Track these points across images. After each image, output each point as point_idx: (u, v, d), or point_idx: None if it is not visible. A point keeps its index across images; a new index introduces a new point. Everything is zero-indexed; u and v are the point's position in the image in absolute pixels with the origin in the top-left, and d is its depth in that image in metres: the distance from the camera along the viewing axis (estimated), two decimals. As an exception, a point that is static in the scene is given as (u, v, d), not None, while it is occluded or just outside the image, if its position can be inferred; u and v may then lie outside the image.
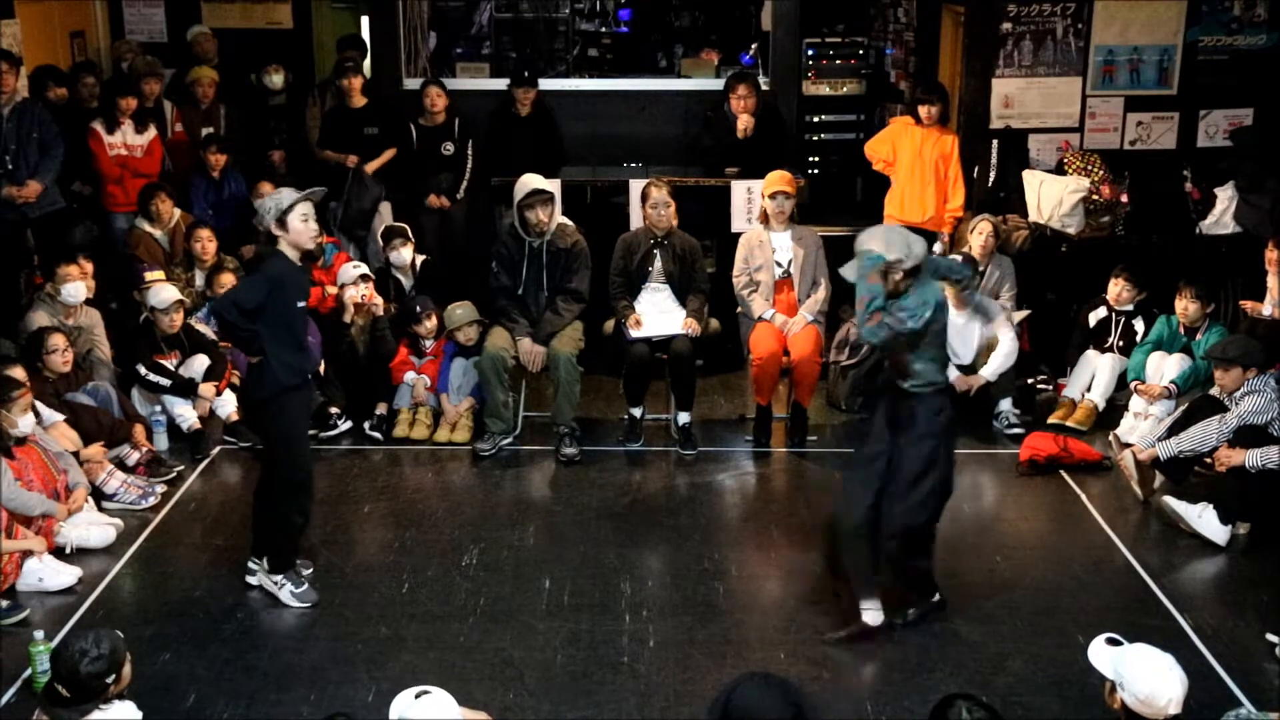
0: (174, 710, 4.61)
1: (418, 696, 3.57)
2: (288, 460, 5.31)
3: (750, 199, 8.05)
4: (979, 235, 7.52)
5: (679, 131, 9.50)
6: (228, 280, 7.31)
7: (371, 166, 8.73)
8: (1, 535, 5.31)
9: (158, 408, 6.97)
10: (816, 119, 9.99)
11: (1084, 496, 6.42)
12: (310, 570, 5.58)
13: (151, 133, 8.39)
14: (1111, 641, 3.69)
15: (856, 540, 4.98)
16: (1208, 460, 6.10)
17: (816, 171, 9.89)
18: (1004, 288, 7.58)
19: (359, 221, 8.77)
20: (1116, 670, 3.59)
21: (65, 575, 5.49)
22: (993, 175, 8.69)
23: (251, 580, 5.44)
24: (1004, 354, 7.08)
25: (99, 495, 6.17)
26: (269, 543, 5.38)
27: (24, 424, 5.79)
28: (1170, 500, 6.05)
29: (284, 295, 5.13)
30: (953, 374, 7.10)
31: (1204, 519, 5.90)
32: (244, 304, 5.09)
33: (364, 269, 7.53)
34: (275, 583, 5.34)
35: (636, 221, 7.58)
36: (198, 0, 9.81)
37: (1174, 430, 6.25)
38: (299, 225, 5.13)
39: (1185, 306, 7.05)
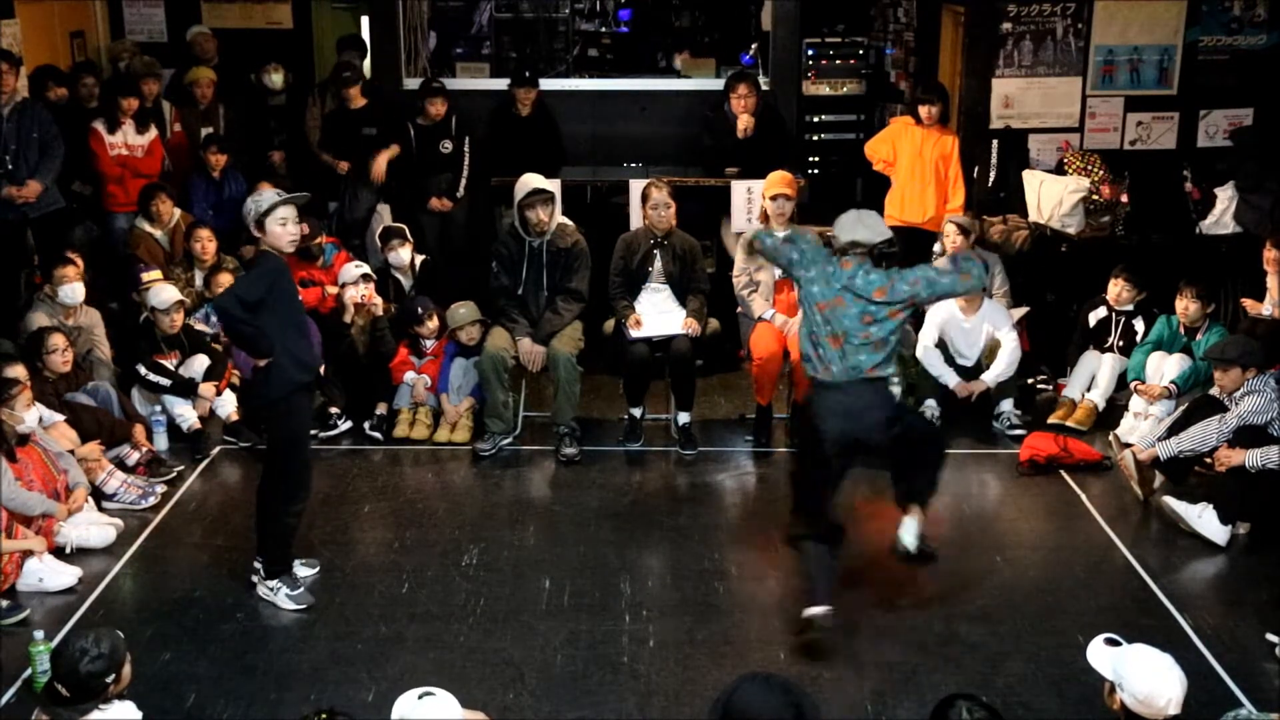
0: (174, 710, 4.61)
1: (420, 698, 3.57)
2: (293, 461, 5.32)
3: (750, 199, 8.05)
4: (946, 238, 7.58)
5: (679, 131, 9.50)
6: (225, 280, 7.31)
7: (379, 169, 8.73)
8: (1, 535, 5.31)
9: (158, 408, 6.97)
10: (816, 119, 9.99)
11: (1084, 496, 6.42)
12: (316, 569, 5.59)
13: (152, 133, 8.39)
14: (1110, 642, 3.69)
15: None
16: (1208, 460, 6.10)
17: (816, 171, 9.89)
18: (994, 284, 7.58)
19: (353, 230, 8.77)
20: (1116, 671, 3.58)
21: (65, 575, 5.49)
22: (993, 175, 8.69)
23: (255, 580, 5.43)
24: (1006, 361, 7.08)
25: (99, 495, 6.17)
26: (264, 546, 5.38)
27: (30, 418, 5.82)
28: (1170, 500, 6.05)
29: (285, 288, 5.16)
30: (952, 380, 7.13)
31: (1204, 519, 5.89)
32: (246, 297, 5.06)
33: (366, 268, 7.53)
34: (270, 588, 5.33)
35: (636, 221, 7.58)
36: (198, 0, 9.81)
37: (1174, 430, 6.25)
38: (276, 229, 5.13)
39: (1186, 306, 7.05)
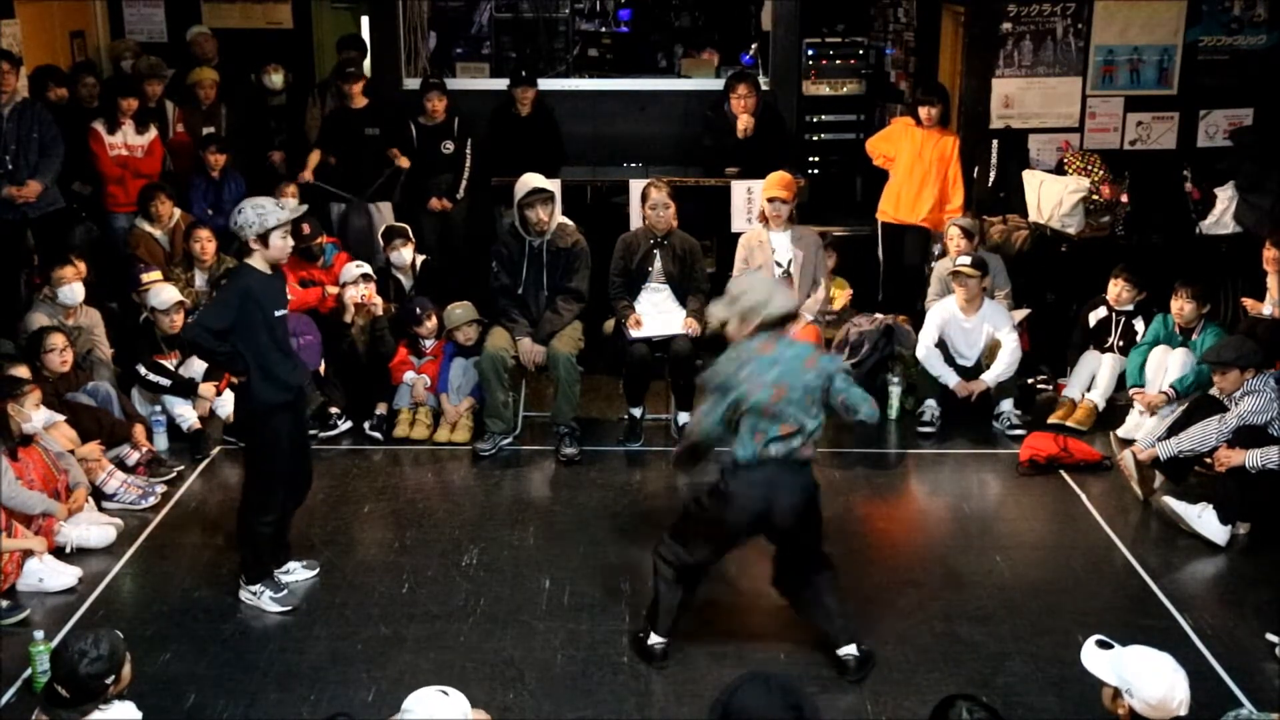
0: (174, 710, 4.61)
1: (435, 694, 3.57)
2: (261, 474, 5.30)
3: (750, 199, 8.06)
4: (949, 240, 7.59)
5: (679, 131, 9.50)
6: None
7: (403, 162, 8.72)
8: (2, 535, 5.32)
9: (158, 408, 6.97)
10: (816, 119, 10.00)
11: (1084, 496, 6.42)
12: (316, 571, 5.60)
13: (152, 133, 8.39)
14: (1101, 644, 3.66)
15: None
16: (1208, 460, 6.10)
17: (816, 171, 9.90)
18: (995, 285, 7.58)
19: (361, 239, 8.76)
20: (1121, 677, 3.53)
21: (65, 575, 5.49)
22: (993, 175, 8.70)
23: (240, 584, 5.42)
24: (1006, 362, 7.09)
25: (99, 495, 6.17)
26: (241, 552, 5.38)
27: (37, 418, 5.84)
28: (1170, 500, 6.05)
29: (258, 308, 5.07)
30: (952, 380, 7.14)
31: (1204, 519, 5.90)
32: (213, 325, 5.05)
33: (366, 268, 7.53)
34: (253, 593, 5.33)
35: (636, 221, 7.59)
36: (198, 0, 9.81)
37: (1174, 430, 6.25)
38: (279, 243, 5.12)
39: (1181, 307, 7.04)
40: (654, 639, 4.92)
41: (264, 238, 5.07)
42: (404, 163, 8.69)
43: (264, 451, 5.27)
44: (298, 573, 5.54)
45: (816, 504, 4.81)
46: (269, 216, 5.08)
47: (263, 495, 5.30)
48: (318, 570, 5.60)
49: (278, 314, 5.18)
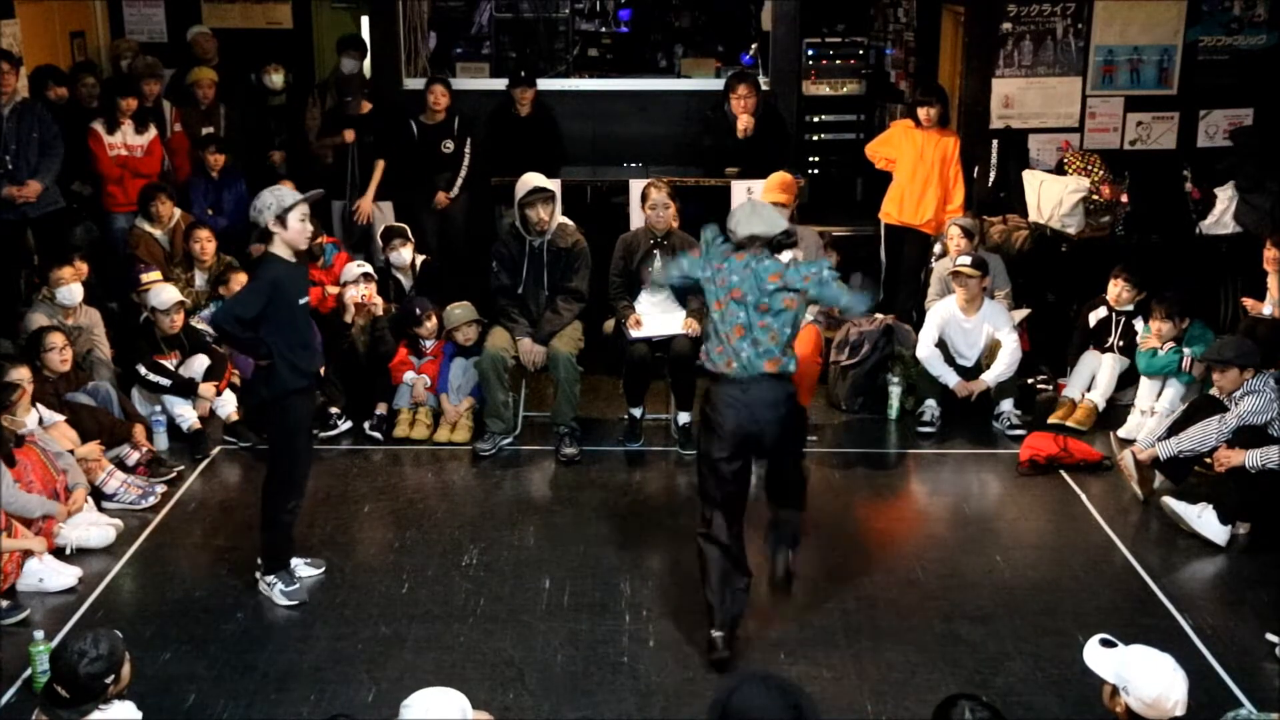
0: (174, 710, 4.61)
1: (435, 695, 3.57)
2: (286, 460, 5.37)
3: (750, 199, 8.03)
4: (949, 240, 7.60)
5: (679, 131, 9.50)
6: (240, 281, 7.26)
7: (370, 193, 8.73)
8: (2, 535, 5.32)
9: (158, 408, 6.97)
10: (816, 119, 10.00)
11: (1084, 496, 6.42)
12: (322, 569, 5.61)
13: (151, 133, 8.38)
14: (1105, 643, 3.66)
15: None
16: (1208, 460, 6.11)
17: (816, 171, 9.90)
18: (995, 285, 7.58)
19: (361, 240, 8.77)
20: (1119, 674, 3.55)
21: (65, 575, 5.49)
22: (993, 175, 8.70)
23: (257, 576, 5.46)
24: (1006, 362, 7.08)
25: (99, 495, 6.17)
26: (262, 542, 5.42)
27: (30, 421, 5.85)
28: (1170, 500, 6.05)
29: (285, 297, 5.17)
30: (953, 380, 7.13)
31: (1204, 519, 5.90)
32: (244, 315, 5.14)
33: (368, 268, 7.53)
34: (268, 584, 5.38)
35: (636, 221, 7.59)
36: (198, 0, 9.82)
37: (1174, 430, 6.25)
38: (297, 224, 5.19)
39: (1158, 327, 6.98)
40: (714, 632, 4.92)
41: (282, 218, 5.15)
42: (349, 136, 8.69)
43: (286, 436, 5.35)
44: (300, 569, 5.54)
45: (794, 418, 5.01)
46: (286, 197, 5.19)
47: (287, 480, 5.37)
48: (323, 569, 5.61)
49: (301, 302, 5.30)
